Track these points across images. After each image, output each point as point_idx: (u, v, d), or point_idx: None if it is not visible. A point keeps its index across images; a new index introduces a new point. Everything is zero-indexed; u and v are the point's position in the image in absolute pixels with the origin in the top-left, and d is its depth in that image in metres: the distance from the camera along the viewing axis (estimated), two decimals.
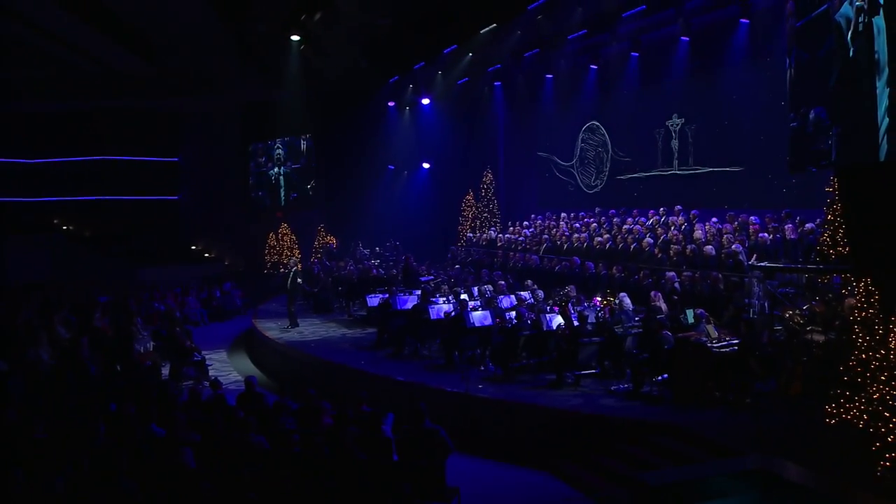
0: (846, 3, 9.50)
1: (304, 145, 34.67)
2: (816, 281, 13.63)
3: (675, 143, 21.84)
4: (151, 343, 18.44)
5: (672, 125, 21.83)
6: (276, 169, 36.15)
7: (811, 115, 10.65)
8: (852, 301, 11.54)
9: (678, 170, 21.78)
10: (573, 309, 14.61)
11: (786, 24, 12.37)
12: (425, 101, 29.05)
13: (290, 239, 33.63)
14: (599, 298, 15.77)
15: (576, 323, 13.85)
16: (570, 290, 16.81)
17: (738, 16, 18.37)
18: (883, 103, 8.94)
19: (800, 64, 11.18)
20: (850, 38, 9.52)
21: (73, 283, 28.06)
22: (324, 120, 32.14)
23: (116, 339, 17.33)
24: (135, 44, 29.72)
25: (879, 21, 8.82)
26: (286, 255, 33.01)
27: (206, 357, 18.38)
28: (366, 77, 27.48)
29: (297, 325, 20.32)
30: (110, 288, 26.29)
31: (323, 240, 31.59)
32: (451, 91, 27.58)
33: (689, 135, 21.40)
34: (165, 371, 16.93)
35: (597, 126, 25.34)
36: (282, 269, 31.14)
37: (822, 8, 10.19)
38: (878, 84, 8.96)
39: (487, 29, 21.70)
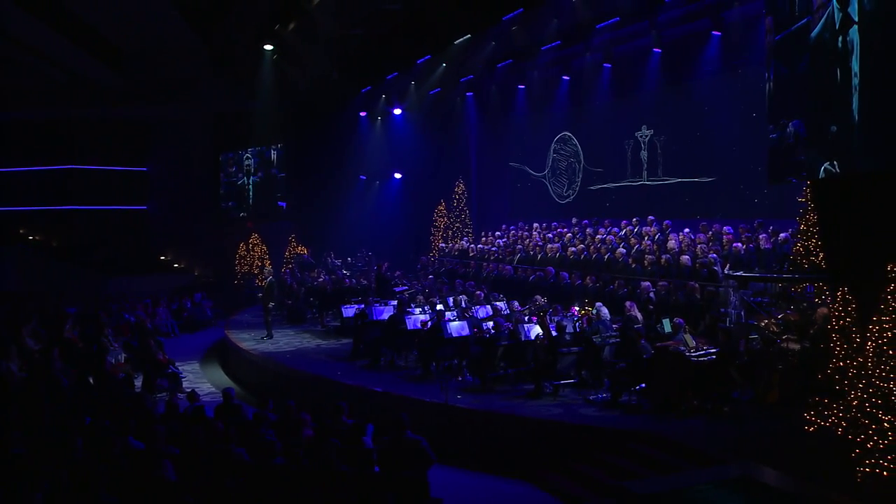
0: (822, 19, 9.66)
1: (274, 155, 34.55)
2: (790, 290, 13.79)
3: (643, 154, 22.05)
4: (123, 355, 18.21)
5: (641, 136, 22.05)
6: (246, 179, 35.95)
7: (790, 128, 10.80)
8: (825, 310, 11.73)
9: (647, 180, 22.00)
10: (551, 319, 14.64)
11: (764, 38, 12.55)
12: (397, 112, 29.04)
13: (261, 249, 33.42)
14: (577, 308, 15.82)
15: (554, 333, 13.87)
16: (538, 299, 16.89)
17: (710, 28, 18.57)
18: (855, 116, 9.11)
19: (779, 77, 11.34)
20: (827, 53, 9.68)
21: (40, 294, 27.65)
22: (296, 130, 32.03)
23: (87, 351, 17.09)
24: (103, 52, 29.49)
25: (854, 34, 8.98)
26: (256, 265, 32.86)
27: (179, 368, 18.18)
28: (338, 87, 27.41)
29: (272, 337, 20.17)
30: (79, 299, 25.96)
31: (294, 250, 31.43)
32: (424, 101, 27.59)
33: (658, 146, 21.63)
34: (138, 383, 16.74)
35: (569, 137, 25.47)
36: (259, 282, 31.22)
37: (801, 22, 10.35)
38: (853, 98, 9.12)
39: (462, 40, 21.72)
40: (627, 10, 18.88)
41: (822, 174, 10.10)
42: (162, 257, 37.70)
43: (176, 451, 9.28)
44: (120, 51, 30.93)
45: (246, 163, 35.96)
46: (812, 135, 10.36)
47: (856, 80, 9.14)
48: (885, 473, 8.42)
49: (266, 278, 21.51)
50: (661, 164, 21.59)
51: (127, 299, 26.65)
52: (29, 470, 7.99)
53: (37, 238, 36.24)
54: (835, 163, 9.70)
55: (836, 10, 9.43)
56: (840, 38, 9.38)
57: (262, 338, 20.10)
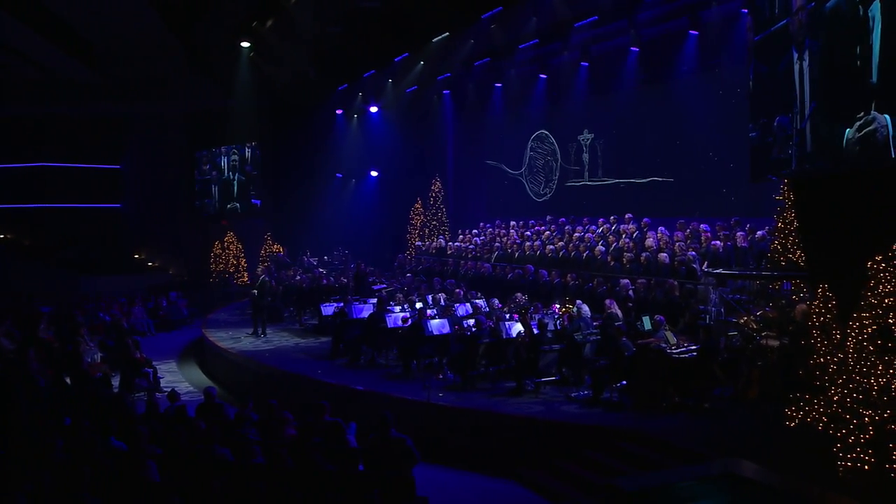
0: None
1: (248, 153, 34.37)
2: (768, 287, 13.93)
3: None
4: (99, 354, 18.02)
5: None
6: (221, 177, 35.73)
7: (774, 125, 10.90)
8: (804, 307, 11.85)
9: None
10: (532, 316, 14.67)
11: (740, 38, 12.65)
12: (373, 110, 28.98)
13: (236, 248, 33.22)
14: (558, 306, 15.87)
15: (536, 331, 13.90)
16: (518, 297, 16.93)
17: (687, 28, 18.69)
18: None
19: (758, 76, 11.44)
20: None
21: (12, 294, 27.27)
22: (271, 127, 31.88)
23: (63, 351, 16.91)
24: (77, 48, 29.18)
25: (876, 10, 8.98)
26: (232, 263, 32.69)
27: (157, 367, 18.02)
28: (315, 85, 27.32)
29: (266, 334, 20.12)
30: (52, 298, 25.64)
31: (270, 248, 31.30)
32: (400, 99, 27.56)
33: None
34: (114, 382, 16.58)
35: (546, 135, 25.54)
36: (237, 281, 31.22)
37: (781, 23, 10.45)
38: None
39: (440, 38, 21.72)
40: (606, 8, 18.95)
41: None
42: (136, 256, 37.38)
43: (159, 451, 9.20)
44: (93, 47, 30.60)
45: (222, 160, 35.73)
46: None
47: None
48: (866, 468, 8.53)
49: (260, 277, 21.49)
50: (634, 163, 21.72)
51: (102, 298, 26.36)
52: (10, 472, 7.88)
53: (8, 237, 35.79)
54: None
55: None
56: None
57: (249, 334, 20.21)
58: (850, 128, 9.77)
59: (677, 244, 16.75)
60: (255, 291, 20.83)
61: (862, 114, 9.55)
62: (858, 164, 9.68)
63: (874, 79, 9.17)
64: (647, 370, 12.23)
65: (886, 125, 9.16)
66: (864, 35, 9.31)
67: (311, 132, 30.75)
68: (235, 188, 35.39)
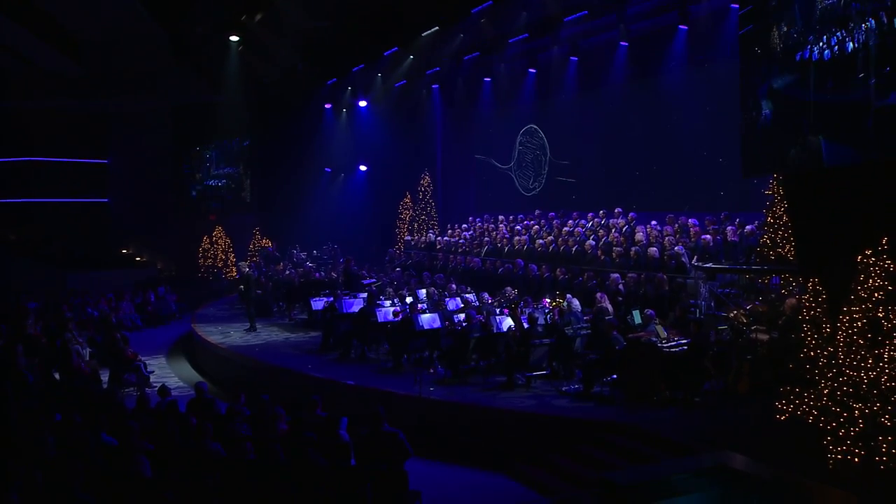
0: None
1: (238, 147, 34.26)
2: (756, 282, 14.00)
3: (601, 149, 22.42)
4: (87, 350, 17.93)
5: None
6: (210, 171, 35.60)
7: (761, 120, 10.97)
8: (793, 301, 11.94)
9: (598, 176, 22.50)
10: (522, 310, 14.68)
11: (729, 34, 12.72)
12: (362, 104, 28.94)
13: (225, 242, 33.12)
14: (549, 300, 15.89)
15: (526, 325, 13.92)
16: (507, 291, 16.94)
17: (676, 22, 18.71)
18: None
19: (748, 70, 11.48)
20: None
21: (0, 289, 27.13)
22: (260, 122, 31.78)
23: (51, 347, 16.81)
24: (63, 42, 29.00)
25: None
26: (220, 258, 32.61)
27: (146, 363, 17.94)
28: (304, 79, 27.25)
29: (255, 329, 20.10)
30: (39, 294, 25.50)
31: (258, 243, 31.24)
32: (389, 93, 27.53)
33: (615, 141, 21.93)
34: (103, 378, 16.49)
35: (535, 129, 25.55)
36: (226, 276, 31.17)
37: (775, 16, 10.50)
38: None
39: (429, 32, 21.69)
40: (596, 3, 18.97)
41: (794, 154, 10.27)
42: (123, 251, 37.20)
43: (150, 447, 9.17)
44: (80, 40, 30.42)
45: (211, 155, 35.61)
46: (775, 127, 10.60)
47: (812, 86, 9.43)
48: (856, 460, 8.59)
49: (244, 271, 21.44)
50: (627, 157, 21.75)
51: (89, 293, 26.22)
52: (2, 470, 7.84)
53: None
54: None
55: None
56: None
57: (247, 329, 20.16)
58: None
59: (667, 238, 16.80)
60: (242, 287, 20.79)
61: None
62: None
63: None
64: (638, 364, 12.27)
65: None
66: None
67: (299, 126, 30.68)
68: (215, 185, 35.34)
